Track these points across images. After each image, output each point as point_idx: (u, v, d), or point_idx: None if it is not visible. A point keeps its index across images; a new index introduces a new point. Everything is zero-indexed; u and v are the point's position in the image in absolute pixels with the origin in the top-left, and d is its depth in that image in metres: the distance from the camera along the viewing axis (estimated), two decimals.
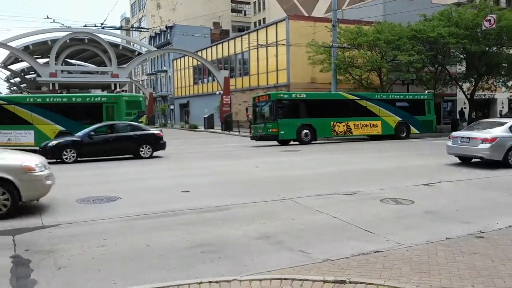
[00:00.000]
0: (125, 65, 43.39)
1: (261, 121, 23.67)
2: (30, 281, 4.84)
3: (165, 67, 66.51)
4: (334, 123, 24.33)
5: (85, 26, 28.13)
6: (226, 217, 7.55)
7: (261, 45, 37.46)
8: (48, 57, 39.79)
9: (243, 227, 6.89)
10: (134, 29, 44.08)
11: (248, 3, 78.19)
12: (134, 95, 25.02)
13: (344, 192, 9.54)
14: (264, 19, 70.10)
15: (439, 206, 8.16)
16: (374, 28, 30.63)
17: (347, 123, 24.68)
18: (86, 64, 54.31)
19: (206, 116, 44.01)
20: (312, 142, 23.58)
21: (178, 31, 57.97)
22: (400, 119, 26.16)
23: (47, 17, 37.62)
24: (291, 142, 23.63)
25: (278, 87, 36.97)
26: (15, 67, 52.64)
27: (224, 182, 11.31)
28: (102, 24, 26.12)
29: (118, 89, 22.30)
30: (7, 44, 36.35)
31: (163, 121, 63.84)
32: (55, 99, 22.48)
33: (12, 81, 61.53)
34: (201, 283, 4.46)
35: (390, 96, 27.14)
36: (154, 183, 11.31)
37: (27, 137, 20.91)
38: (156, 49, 55.42)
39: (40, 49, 43.49)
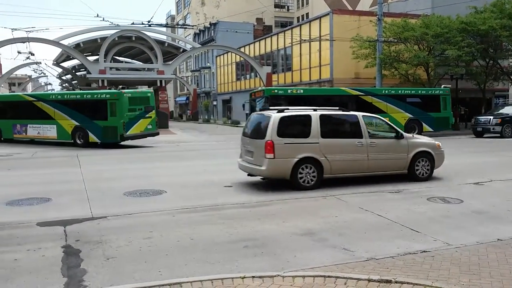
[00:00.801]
0: (170, 62, 44.24)
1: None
2: (80, 270, 5.03)
3: (208, 64, 67.31)
4: None
5: (133, 24, 28.78)
6: (268, 213, 7.56)
7: (304, 40, 37.12)
8: (98, 55, 41.18)
9: (285, 223, 6.87)
10: (179, 26, 44.89)
11: None
12: (140, 91, 25.15)
13: (390, 190, 9.32)
14: (307, 14, 69.42)
15: (489, 206, 7.83)
16: (422, 22, 29.63)
17: None
18: (133, 61, 55.77)
19: (248, 112, 44.12)
20: None
21: (222, 27, 58.44)
22: (410, 116, 24.42)
23: (97, 15, 38.76)
24: None
25: (321, 83, 36.57)
26: (67, 64, 54.81)
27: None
28: (148, 21, 26.59)
29: (120, 86, 22.92)
30: (59, 42, 37.95)
31: (206, 117, 64.77)
32: (70, 96, 23.79)
33: (63, 78, 64.26)
34: (244, 277, 4.49)
35: (399, 91, 25.22)
36: (198, 177, 11.49)
37: (51, 131, 22.13)
38: (200, 46, 56.16)
39: (90, 47, 45.05)
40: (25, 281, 4.71)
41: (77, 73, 57.68)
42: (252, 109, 23.37)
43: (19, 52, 41.24)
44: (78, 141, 21.23)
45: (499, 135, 23.47)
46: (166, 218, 7.30)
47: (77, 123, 21.26)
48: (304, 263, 5.08)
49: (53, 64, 51.15)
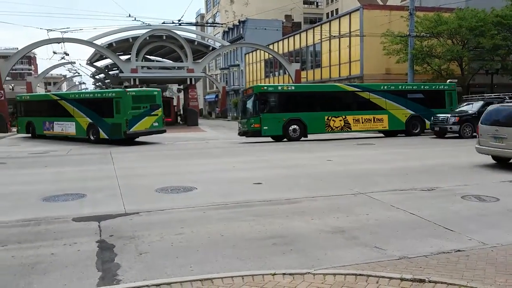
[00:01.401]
0: (200, 60, 44.68)
1: (246, 116, 22.40)
2: (114, 265, 5.14)
3: (237, 61, 67.60)
4: (329, 118, 22.06)
5: (163, 23, 29.31)
6: (297, 210, 7.54)
7: (334, 36, 36.77)
8: (130, 54, 42.00)
9: (314, 220, 6.84)
10: (209, 24, 45.24)
11: None
12: (146, 90, 26.04)
13: (422, 188, 9.13)
14: (336, 9, 68.69)
15: None
16: (456, 15, 28.85)
17: (345, 118, 22.25)
18: (164, 60, 56.56)
19: (241, 109, 44.06)
20: (302, 138, 21.80)
21: (251, 25, 58.56)
22: (412, 112, 23.19)
23: (129, 15, 39.54)
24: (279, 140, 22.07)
25: (351, 79, 36.15)
26: (100, 63, 56.16)
27: (294, 175, 11.27)
28: (179, 20, 27.06)
29: (126, 84, 23.68)
30: (93, 42, 38.89)
31: (235, 115, 65.04)
32: (85, 95, 25.47)
33: (97, 77, 65.87)
34: (275, 274, 4.49)
35: (400, 87, 24.10)
36: (227, 174, 11.57)
37: (71, 128, 23.71)
38: (229, 43, 56.45)
39: (122, 46, 45.95)
40: (62, 275, 4.85)
41: (110, 72, 59.00)
42: (244, 107, 23.24)
43: (54, 53, 42.56)
44: (92, 138, 22.44)
45: (457, 135, 21.07)
46: (196, 214, 7.39)
47: (90, 121, 22.54)
48: (335, 261, 5.04)
49: (87, 64, 52.47)
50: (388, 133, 23.72)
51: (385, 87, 23.79)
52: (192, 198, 8.60)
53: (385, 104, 22.93)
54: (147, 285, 4.30)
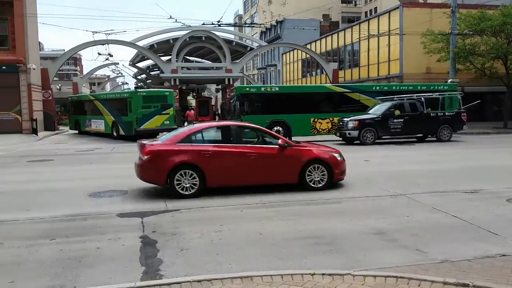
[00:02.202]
0: (238, 61, 44.97)
1: (230, 117, 21.97)
2: (156, 260, 5.30)
3: (274, 61, 67.63)
4: (315, 120, 21.48)
5: (203, 24, 29.79)
6: (336, 210, 7.51)
7: (373, 35, 36.14)
8: (170, 55, 42.81)
9: (354, 221, 6.79)
10: (247, 25, 45.44)
11: None
12: (157, 91, 27.46)
13: (465, 190, 8.88)
14: (375, 8, 67.47)
15: None
16: (500, 12, 27.73)
17: (332, 120, 21.39)
18: (203, 60, 57.32)
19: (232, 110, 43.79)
20: None
21: (288, 25, 58.43)
22: None
23: (170, 17, 40.33)
24: None
25: (389, 78, 35.44)
26: (142, 64, 57.42)
27: None
28: (218, 21, 27.29)
29: (138, 85, 25.80)
30: (135, 43, 39.90)
31: None
32: (110, 95, 28.10)
33: (139, 77, 67.48)
34: (314, 274, 4.51)
35: (393, 88, 22.94)
36: None
37: (102, 125, 26.12)
38: (266, 44, 56.51)
39: (163, 47, 46.90)
40: (107, 268, 5.05)
41: (151, 73, 60.30)
42: (229, 108, 23.36)
43: (99, 54, 43.99)
44: (115, 134, 24.46)
45: (359, 141, 19.29)
46: (235, 213, 7.49)
47: (113, 119, 24.55)
48: (375, 263, 5.01)
49: (129, 65, 53.82)
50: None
51: (378, 87, 23.10)
52: (230, 197, 8.69)
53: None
54: (189, 281, 4.41)
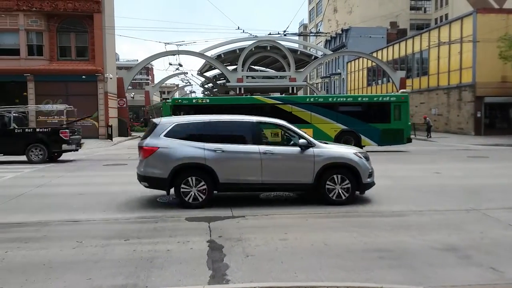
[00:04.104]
0: (302, 69, 45.05)
1: None
2: (223, 265, 5.43)
3: (339, 70, 66.89)
4: None
5: (270, 34, 30.36)
6: (404, 224, 7.29)
7: (444, 42, 34.72)
8: (236, 64, 43.84)
9: (423, 236, 6.56)
10: (313, 34, 45.42)
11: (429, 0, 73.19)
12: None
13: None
14: (446, 15, 64.73)
15: None
16: None
17: (262, 131, 20.84)
18: (267, 69, 58.00)
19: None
20: None
21: (354, 33, 57.71)
22: (344, 127, 21.02)
23: (238, 28, 41.32)
24: None
25: (461, 87, 33.85)
26: (209, 73, 59.22)
27: (398, 187, 10.90)
28: (284, 31, 27.69)
29: (165, 97, 27.19)
30: (204, 54, 41.26)
31: None
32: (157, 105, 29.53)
33: (206, 86, 69.57)
34: None
35: (330, 99, 22.08)
36: None
37: None
38: (331, 52, 56.12)
39: (229, 57, 48.09)
40: (176, 270, 5.25)
41: (217, 82, 61.93)
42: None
43: (170, 64, 46.05)
44: None
45: None
46: (299, 221, 7.50)
47: None
48: (445, 280, 4.82)
49: (197, 74, 55.71)
50: None
51: (311, 99, 22.42)
52: (294, 205, 8.73)
53: (310, 117, 21.24)
54: (254, 287, 4.49)
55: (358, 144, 20.64)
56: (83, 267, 5.40)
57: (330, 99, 22.34)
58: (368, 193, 9.92)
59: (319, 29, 75.48)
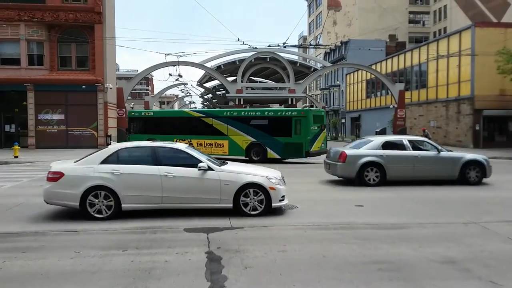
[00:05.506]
0: (301, 81, 45.19)
1: None
2: (221, 276, 5.40)
3: (338, 82, 67.23)
4: (177, 140, 21.63)
5: (269, 46, 30.56)
6: (403, 236, 7.27)
7: (442, 55, 34.95)
8: (236, 75, 44.00)
9: (423, 248, 6.54)
10: (312, 46, 45.66)
11: (428, 13, 73.69)
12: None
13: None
14: (445, 28, 65.26)
15: None
16: None
17: (190, 141, 23.26)
18: (267, 80, 58.24)
19: (378, 130, 43.06)
20: None
21: (353, 45, 58.09)
22: (253, 139, 21.88)
23: (238, 39, 41.61)
24: None
25: (459, 100, 34.00)
26: (209, 84, 59.42)
27: (397, 199, 10.89)
28: (284, 43, 27.97)
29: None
30: (204, 65, 41.43)
31: (334, 134, 64.59)
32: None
33: (205, 97, 69.81)
34: None
35: (242, 113, 22.99)
36: (328, 195, 11.52)
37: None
38: (330, 64, 56.41)
39: (229, 68, 48.30)
40: (174, 282, 5.23)
41: (217, 93, 62.14)
42: None
43: (170, 75, 46.59)
44: None
45: None
46: (298, 233, 7.48)
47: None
48: None
49: (197, 85, 55.88)
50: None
51: (228, 113, 23.36)
52: (294, 217, 8.71)
53: (226, 130, 22.66)
54: None
55: (265, 157, 21.69)
56: (80, 277, 5.38)
57: (242, 113, 23.26)
58: (366, 205, 9.94)
59: (318, 41, 75.94)
